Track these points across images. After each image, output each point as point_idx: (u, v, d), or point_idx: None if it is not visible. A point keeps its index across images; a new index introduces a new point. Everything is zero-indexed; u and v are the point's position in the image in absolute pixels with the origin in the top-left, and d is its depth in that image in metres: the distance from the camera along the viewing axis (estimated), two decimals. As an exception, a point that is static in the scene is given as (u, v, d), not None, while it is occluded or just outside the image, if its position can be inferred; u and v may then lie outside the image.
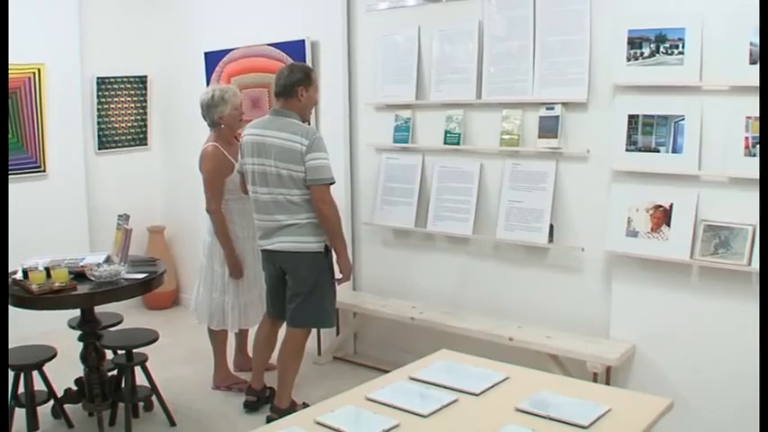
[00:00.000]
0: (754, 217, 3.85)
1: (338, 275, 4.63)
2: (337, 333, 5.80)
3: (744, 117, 3.85)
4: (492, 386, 2.87)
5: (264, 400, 4.91)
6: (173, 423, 4.68)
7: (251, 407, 4.90)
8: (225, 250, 4.94)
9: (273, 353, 4.93)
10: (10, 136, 6.19)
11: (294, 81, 4.43)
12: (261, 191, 4.46)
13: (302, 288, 4.51)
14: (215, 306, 5.04)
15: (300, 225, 4.42)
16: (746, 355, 3.88)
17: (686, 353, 4.20)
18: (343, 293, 5.72)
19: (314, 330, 5.70)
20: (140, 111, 7.28)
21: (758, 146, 3.79)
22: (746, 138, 3.84)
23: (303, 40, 5.73)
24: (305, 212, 4.42)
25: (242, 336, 5.53)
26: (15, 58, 5.85)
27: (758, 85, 3.69)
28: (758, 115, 3.77)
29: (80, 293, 4.21)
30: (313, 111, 5.78)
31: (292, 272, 4.53)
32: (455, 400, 2.73)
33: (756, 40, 3.75)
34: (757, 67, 3.75)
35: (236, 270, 4.96)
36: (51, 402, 4.61)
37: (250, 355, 5.59)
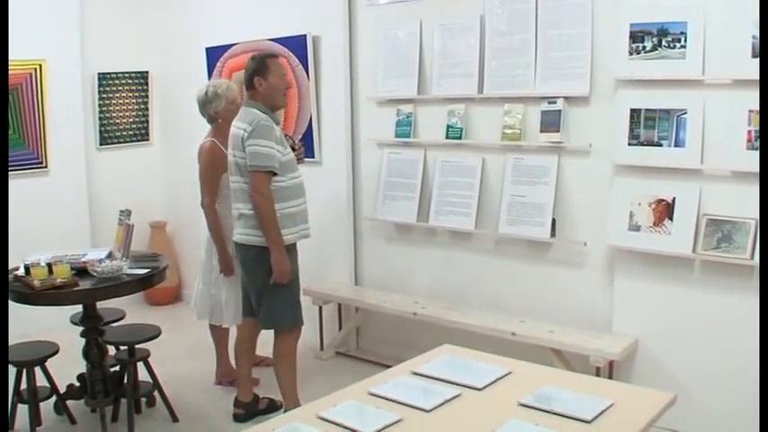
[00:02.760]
0: (756, 211, 3.84)
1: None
2: (340, 328, 5.80)
3: (746, 111, 3.85)
4: (495, 381, 2.87)
5: (256, 413, 4.70)
6: (175, 419, 4.68)
7: (239, 419, 4.68)
8: (217, 246, 4.93)
9: (259, 354, 4.92)
10: (11, 132, 6.18)
11: (250, 72, 4.37)
12: (230, 179, 4.42)
13: (251, 285, 4.42)
14: (214, 302, 5.04)
15: (249, 216, 4.29)
16: (749, 349, 3.87)
17: (689, 347, 4.20)
18: (346, 289, 5.74)
19: (316, 326, 5.72)
20: (141, 106, 7.28)
21: (759, 140, 3.78)
22: (749, 131, 3.84)
23: (305, 35, 5.73)
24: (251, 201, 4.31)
25: (244, 331, 5.52)
26: (16, 54, 5.84)
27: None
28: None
29: (82, 289, 4.21)
30: (315, 106, 5.79)
31: (242, 266, 4.49)
32: (458, 395, 2.73)
33: (758, 33, 3.75)
34: (759, 60, 3.74)
35: (227, 267, 4.94)
36: (54, 398, 4.61)
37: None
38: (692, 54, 4.01)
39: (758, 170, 3.75)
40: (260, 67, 4.37)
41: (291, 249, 4.39)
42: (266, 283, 4.29)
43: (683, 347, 4.23)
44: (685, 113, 4.07)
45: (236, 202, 4.36)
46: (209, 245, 5.01)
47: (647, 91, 4.20)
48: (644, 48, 4.15)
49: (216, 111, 4.96)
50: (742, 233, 3.90)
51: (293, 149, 4.50)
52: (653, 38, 4.12)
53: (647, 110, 4.19)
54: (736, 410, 4.04)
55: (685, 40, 4.02)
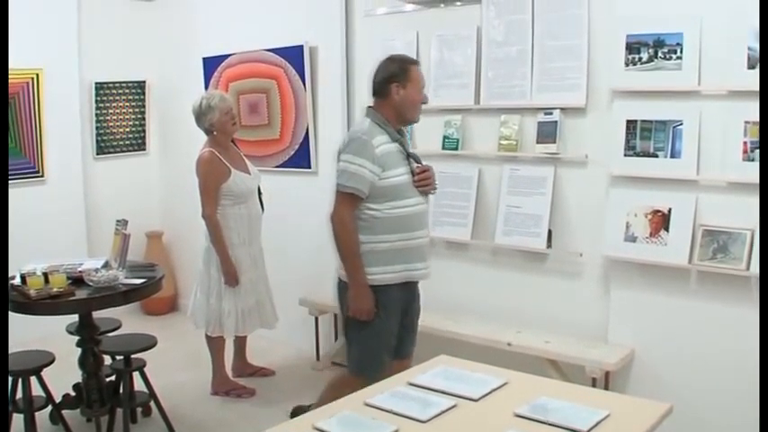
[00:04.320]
0: (752, 222, 3.85)
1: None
2: (335, 339, 5.79)
3: (742, 122, 3.85)
4: (491, 391, 2.86)
5: None
6: (171, 429, 4.66)
7: None
8: (220, 257, 4.93)
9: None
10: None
11: (387, 76, 3.77)
12: None
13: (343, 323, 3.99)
14: (212, 312, 5.03)
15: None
16: (745, 359, 3.87)
17: (685, 357, 4.20)
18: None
19: (312, 336, 5.72)
20: (139, 116, 7.28)
21: (756, 150, 3.79)
22: (745, 142, 3.85)
23: (302, 46, 5.74)
24: None
25: (240, 341, 5.52)
26: (14, 62, 5.82)
27: (756, 89, 3.69)
28: (756, 120, 3.77)
29: (78, 299, 4.21)
30: (312, 116, 5.79)
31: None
32: (454, 406, 2.73)
33: (754, 44, 3.76)
34: (755, 71, 3.75)
35: (231, 277, 4.95)
36: (49, 408, 4.59)
37: (248, 360, 5.60)
38: (688, 65, 4.02)
39: (754, 181, 3.77)
40: (400, 72, 3.78)
41: (385, 290, 3.78)
42: (348, 320, 3.85)
43: (680, 358, 4.22)
44: (681, 124, 4.07)
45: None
46: (208, 255, 5.01)
47: (643, 102, 4.20)
48: (640, 59, 4.16)
49: (211, 123, 4.97)
50: (738, 244, 3.91)
51: (413, 174, 3.81)
52: (649, 49, 4.13)
53: (643, 121, 4.20)
54: (732, 421, 4.03)
55: (681, 52, 4.03)
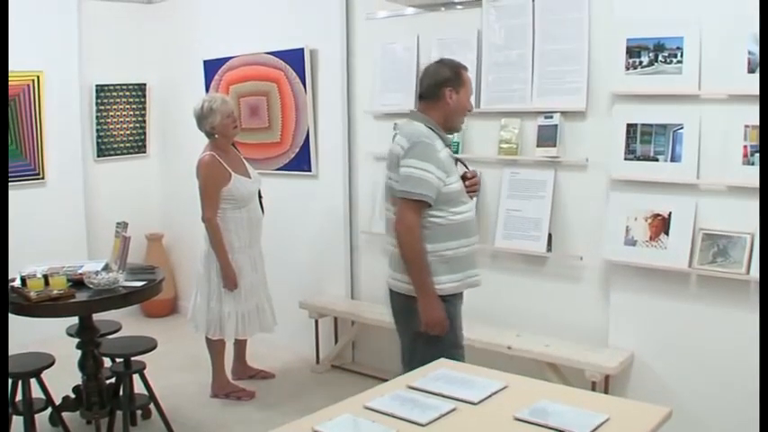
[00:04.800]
0: (752, 225, 3.85)
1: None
2: (335, 341, 5.80)
3: (742, 126, 3.86)
4: (490, 395, 2.86)
5: None
6: (170, 431, 4.67)
7: None
8: (220, 261, 4.93)
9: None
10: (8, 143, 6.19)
11: (440, 80, 3.61)
12: (385, 206, 3.78)
13: (400, 337, 3.75)
14: (212, 315, 5.03)
15: (394, 254, 3.64)
16: (745, 363, 3.87)
17: (685, 361, 4.20)
18: (342, 302, 5.74)
19: (312, 339, 5.72)
20: (139, 118, 7.28)
21: (757, 154, 3.79)
22: (745, 146, 3.85)
23: (302, 49, 5.74)
24: None
25: (240, 344, 5.52)
26: (14, 65, 5.84)
27: (756, 93, 3.69)
28: (756, 124, 3.77)
29: (78, 301, 4.21)
30: (312, 119, 5.80)
31: (391, 312, 3.81)
32: (453, 409, 2.72)
33: (754, 48, 3.76)
34: (755, 75, 3.76)
35: (231, 281, 4.95)
36: (49, 410, 4.59)
37: (248, 363, 5.59)
38: (688, 69, 4.02)
39: (754, 185, 3.78)
40: (455, 77, 3.64)
41: (451, 300, 3.64)
42: (416, 338, 3.59)
43: (679, 362, 4.22)
44: (681, 128, 4.08)
45: (386, 234, 3.78)
46: (208, 258, 5.01)
47: (643, 106, 4.21)
48: (640, 63, 4.16)
49: (212, 126, 4.97)
50: (738, 248, 3.91)
51: (464, 179, 3.71)
52: (649, 53, 4.13)
53: (643, 124, 4.20)
54: (732, 425, 4.03)
55: (682, 56, 4.04)
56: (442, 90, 3.59)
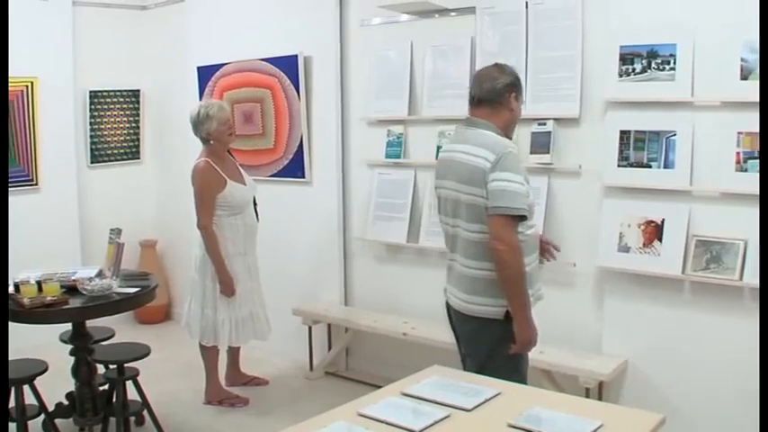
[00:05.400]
0: (745, 232, 3.86)
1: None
2: (329, 348, 5.79)
3: (735, 132, 3.87)
4: (484, 402, 2.86)
5: None
6: (164, 438, 4.67)
7: None
8: (216, 267, 4.92)
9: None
10: (2, 149, 6.19)
11: (503, 85, 3.36)
12: (444, 220, 3.53)
13: (470, 357, 3.53)
14: (206, 322, 5.02)
15: (471, 278, 3.37)
16: (738, 370, 3.88)
17: (678, 367, 4.21)
18: (336, 309, 5.73)
19: (306, 346, 5.71)
20: (133, 125, 7.28)
21: (750, 161, 3.81)
22: (738, 153, 3.86)
23: (296, 55, 5.75)
24: (484, 258, 3.30)
25: (233, 351, 5.51)
26: (9, 71, 5.84)
27: (749, 100, 3.72)
28: (749, 130, 3.80)
29: (72, 307, 4.20)
30: (306, 126, 5.81)
31: (458, 332, 3.61)
32: (447, 416, 2.72)
33: (747, 55, 3.78)
34: (748, 82, 3.78)
35: (228, 288, 4.95)
36: (42, 417, 4.57)
37: (242, 369, 5.59)
38: (681, 76, 4.04)
39: (747, 191, 3.80)
40: (518, 83, 3.43)
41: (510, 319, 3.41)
42: (490, 358, 3.40)
43: (673, 368, 4.23)
44: (675, 135, 4.09)
45: (453, 252, 3.49)
46: (202, 265, 5.00)
47: (636, 112, 4.22)
48: (633, 70, 4.18)
49: (208, 132, 4.96)
50: (731, 254, 3.92)
51: None
52: (642, 60, 4.15)
53: (636, 131, 4.21)
54: (726, 430, 4.04)
55: (675, 63, 4.05)
56: (504, 95, 3.35)
